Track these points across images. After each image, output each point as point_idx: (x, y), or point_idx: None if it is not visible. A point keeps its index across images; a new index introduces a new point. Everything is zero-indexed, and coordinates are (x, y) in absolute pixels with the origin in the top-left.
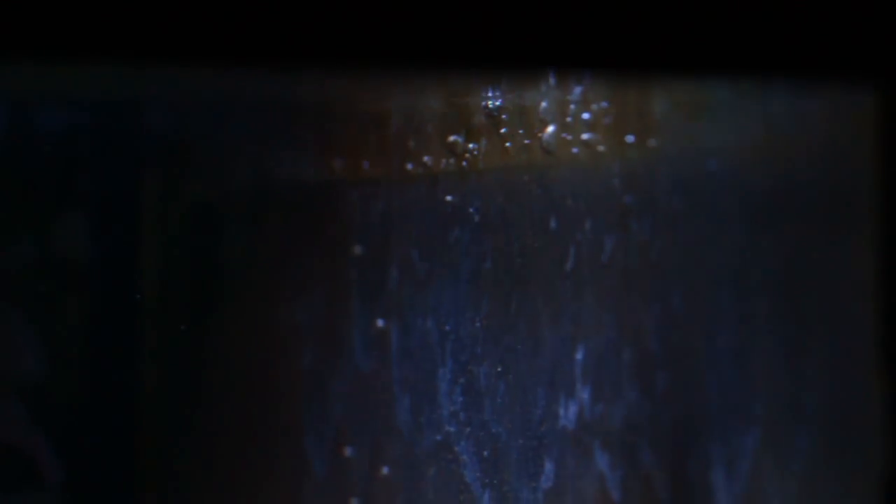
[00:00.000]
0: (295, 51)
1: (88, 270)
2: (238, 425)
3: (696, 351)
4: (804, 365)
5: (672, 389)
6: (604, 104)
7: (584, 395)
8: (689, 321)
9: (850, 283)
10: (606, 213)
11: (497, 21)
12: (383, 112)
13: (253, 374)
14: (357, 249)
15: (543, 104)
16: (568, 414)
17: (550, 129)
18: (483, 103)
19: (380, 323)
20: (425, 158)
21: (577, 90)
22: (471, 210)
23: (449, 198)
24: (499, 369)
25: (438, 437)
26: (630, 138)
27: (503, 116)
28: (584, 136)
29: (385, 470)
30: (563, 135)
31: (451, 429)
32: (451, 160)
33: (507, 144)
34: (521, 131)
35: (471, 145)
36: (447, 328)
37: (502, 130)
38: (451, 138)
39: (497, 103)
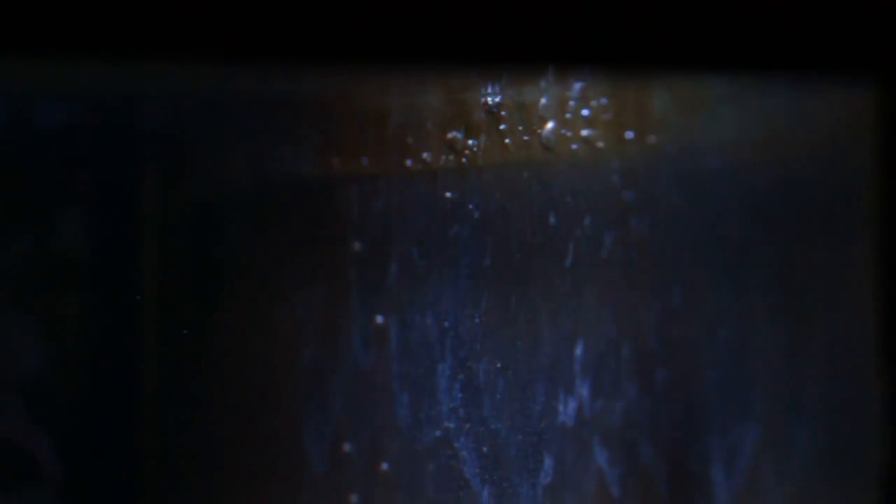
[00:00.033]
0: (294, 47)
1: (87, 267)
2: (238, 422)
3: (695, 347)
4: (804, 362)
5: (671, 386)
6: (603, 100)
7: (583, 391)
8: (689, 318)
9: (850, 279)
10: (606, 210)
11: (496, 17)
12: (382, 108)
13: (252, 370)
14: (356, 246)
15: (543, 100)
16: (567, 410)
17: (550, 125)
18: (482, 100)
19: (379, 319)
20: (424, 155)
21: (577, 86)
22: (470, 206)
23: (448, 194)
24: (498, 365)
25: (438, 434)
26: (630, 135)
27: (503, 113)
28: (584, 133)
29: (384, 466)
30: (563, 131)
31: (451, 425)
32: (451, 157)
33: (507, 141)
34: (520, 128)
35: (470, 142)
36: (446, 324)
37: (502, 127)
38: (451, 135)
39: (496, 100)
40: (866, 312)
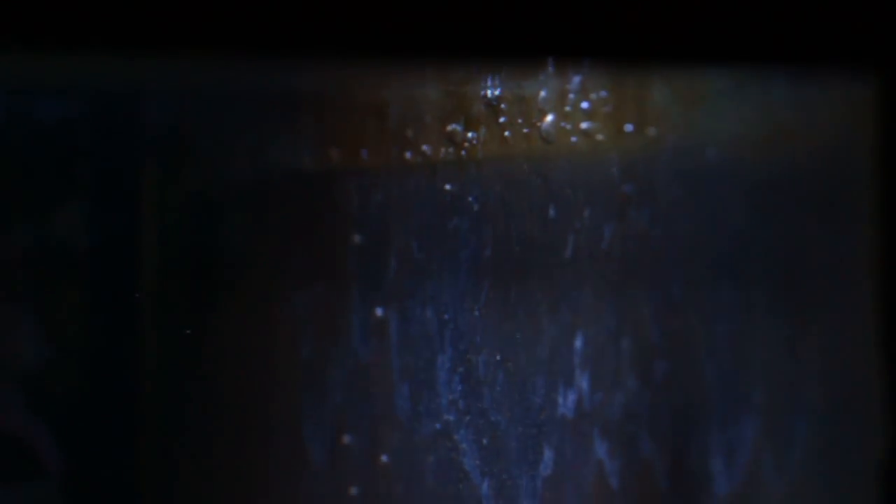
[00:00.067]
0: (293, 40)
1: (87, 259)
2: (237, 414)
3: (695, 340)
4: (804, 356)
5: (671, 378)
6: (603, 93)
7: (583, 383)
8: (689, 310)
9: (849, 273)
10: (605, 203)
11: (496, 10)
12: (382, 101)
13: (252, 362)
14: (356, 239)
15: (542, 93)
16: (567, 402)
17: (549, 118)
18: (482, 92)
19: (379, 312)
20: (424, 148)
21: (577, 79)
22: (470, 199)
23: (448, 187)
24: (498, 358)
25: (437, 426)
26: (629, 127)
27: (502, 106)
28: (583, 126)
29: (384, 458)
30: (562, 124)
31: (451, 417)
32: (450, 149)
33: (506, 134)
34: (520, 120)
35: (470, 134)
36: (446, 317)
37: (501, 119)
38: (450, 127)
39: (496, 92)
40: (866, 306)
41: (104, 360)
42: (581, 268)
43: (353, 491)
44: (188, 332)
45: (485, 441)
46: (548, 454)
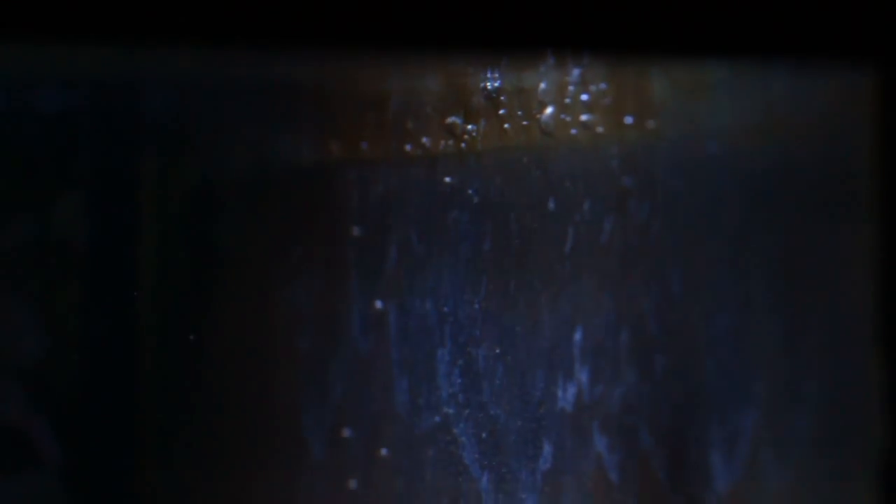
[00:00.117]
0: (293, 31)
1: (87, 252)
2: (237, 407)
3: (694, 333)
4: (803, 348)
5: (671, 371)
6: (603, 85)
7: (582, 376)
8: (688, 303)
9: (849, 265)
10: (605, 195)
11: (496, 1)
12: (382, 93)
13: (251, 356)
14: (355, 231)
15: (542, 85)
16: (566, 396)
17: (549, 110)
18: (482, 84)
19: (378, 304)
20: (424, 140)
21: (576, 71)
22: (469, 191)
23: (448, 179)
24: (497, 351)
25: (437, 419)
26: (629, 119)
27: (502, 98)
28: (583, 118)
29: (383, 451)
30: (562, 116)
31: (450, 410)
32: (450, 141)
33: (506, 126)
34: (519, 112)
35: (469, 126)
36: (446, 310)
37: (501, 112)
38: (450, 119)
39: (496, 84)
40: (865, 298)
41: (103, 352)
42: (581, 260)
43: (353, 484)
44: (188, 324)
45: (484, 434)
46: (547, 448)
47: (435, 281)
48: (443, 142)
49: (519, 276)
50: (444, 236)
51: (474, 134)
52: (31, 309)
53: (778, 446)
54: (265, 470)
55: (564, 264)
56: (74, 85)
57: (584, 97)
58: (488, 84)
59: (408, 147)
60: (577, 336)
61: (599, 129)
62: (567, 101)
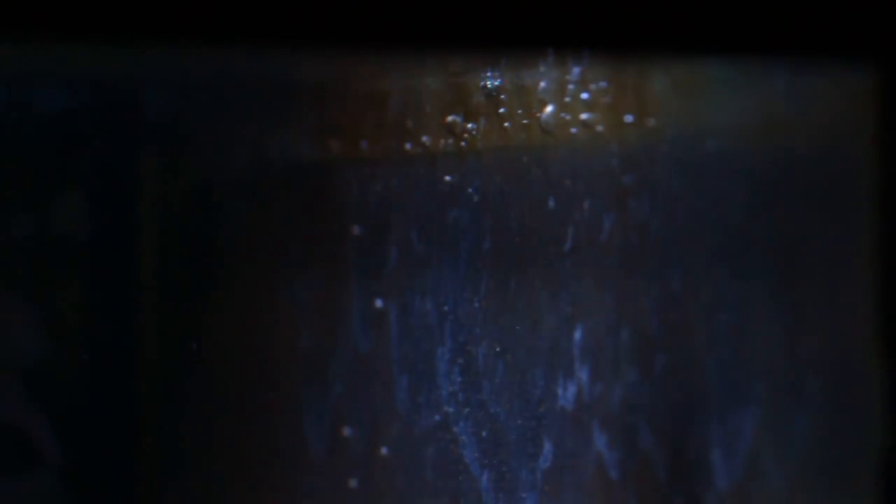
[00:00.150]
0: (293, 30)
1: (87, 250)
2: (237, 405)
3: (694, 331)
4: (803, 347)
5: (671, 370)
6: (603, 84)
7: (582, 375)
8: (688, 302)
9: (849, 264)
10: (605, 194)
11: (496, 0)
12: (382, 92)
13: (252, 354)
14: (356, 230)
15: (542, 84)
16: (566, 394)
17: (549, 108)
18: (482, 83)
19: (378, 303)
20: (424, 138)
21: (576, 70)
22: (469, 190)
23: (448, 178)
24: (497, 349)
25: (437, 418)
26: (629, 118)
27: (502, 96)
28: (583, 116)
29: (384, 450)
30: (562, 115)
31: (450, 409)
32: (450, 140)
33: (506, 124)
34: (519, 111)
35: (469, 125)
36: (446, 308)
37: (501, 110)
38: (450, 118)
39: (496, 83)
40: (866, 297)
41: (104, 349)
42: (581, 259)
43: (353, 483)
44: (188, 322)
45: (484, 433)
46: (547, 446)
47: (435, 279)
48: (443, 140)
49: (519, 275)
50: (444, 235)
51: (474, 132)
52: (31, 308)
53: (778, 446)
54: (267, 468)
55: (564, 263)
56: (74, 85)
57: (584, 96)
58: (488, 83)
59: (408, 146)
60: (577, 335)
61: (599, 128)
62: (567, 99)
